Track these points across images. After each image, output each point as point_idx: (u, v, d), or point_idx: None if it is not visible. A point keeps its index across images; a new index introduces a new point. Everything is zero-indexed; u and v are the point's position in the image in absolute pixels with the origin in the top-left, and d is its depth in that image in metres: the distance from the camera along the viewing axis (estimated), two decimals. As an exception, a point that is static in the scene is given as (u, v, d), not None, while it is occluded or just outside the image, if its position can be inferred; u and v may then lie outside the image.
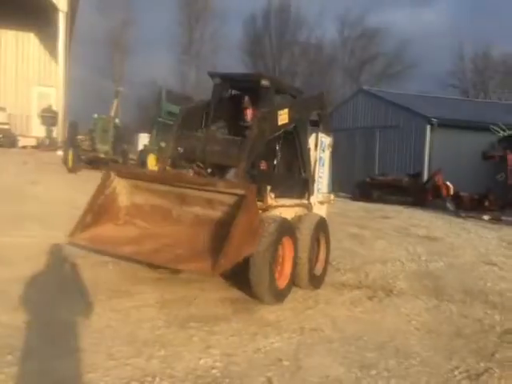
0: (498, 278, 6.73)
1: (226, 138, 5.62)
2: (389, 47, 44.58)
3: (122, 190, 5.17)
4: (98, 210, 5.01)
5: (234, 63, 46.76)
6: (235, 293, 5.09)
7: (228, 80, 5.84)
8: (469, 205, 15.02)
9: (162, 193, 4.97)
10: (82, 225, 4.88)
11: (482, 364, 3.92)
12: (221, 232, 4.38)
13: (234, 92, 5.98)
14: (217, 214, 4.68)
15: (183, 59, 46.01)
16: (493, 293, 6.00)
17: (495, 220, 13.32)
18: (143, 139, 27.59)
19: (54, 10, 17.88)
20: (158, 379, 3.26)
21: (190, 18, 45.61)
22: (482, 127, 17.32)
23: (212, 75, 5.87)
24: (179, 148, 5.32)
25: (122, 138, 15.70)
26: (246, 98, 5.57)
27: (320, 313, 4.80)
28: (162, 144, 16.05)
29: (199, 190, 4.70)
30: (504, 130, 16.19)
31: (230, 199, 4.52)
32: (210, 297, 4.95)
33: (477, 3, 61.81)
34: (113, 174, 5.11)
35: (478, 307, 5.41)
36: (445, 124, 17.89)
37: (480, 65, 44.05)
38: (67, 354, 3.45)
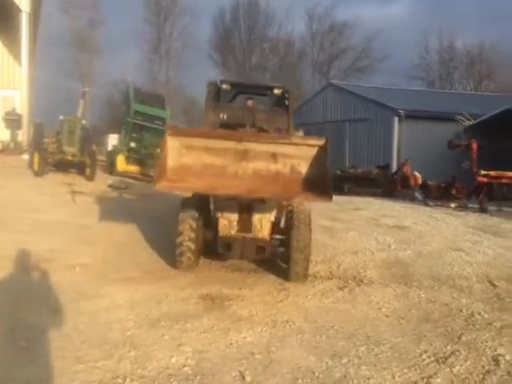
0: (464, 263, 6.89)
1: (272, 109, 7.03)
2: (357, 41, 45.06)
3: (188, 148, 5.17)
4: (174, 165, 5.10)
5: (204, 60, 46.57)
6: (206, 290, 5.09)
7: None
8: (436, 193, 15.33)
9: (226, 151, 5.12)
10: (165, 176, 5.02)
11: (448, 347, 4.01)
12: (293, 179, 5.05)
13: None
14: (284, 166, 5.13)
15: (152, 58, 45.48)
16: (460, 277, 6.15)
17: (461, 207, 13.64)
18: (113, 140, 27.18)
19: (17, 10, 17.38)
20: (128, 380, 3.23)
21: (159, 15, 45.06)
22: (447, 118, 17.72)
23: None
24: (221, 114, 6.46)
25: (90, 139, 15.38)
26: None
27: (292, 305, 4.84)
28: (132, 144, 15.86)
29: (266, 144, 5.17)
30: (469, 120, 16.59)
31: (301, 152, 5.04)
32: (181, 295, 4.92)
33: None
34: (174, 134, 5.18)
35: (445, 292, 5.54)
36: (412, 115, 18.22)
37: (445, 56, 44.95)
38: (33, 360, 3.37)
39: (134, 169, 15.21)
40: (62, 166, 13.56)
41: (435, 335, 4.27)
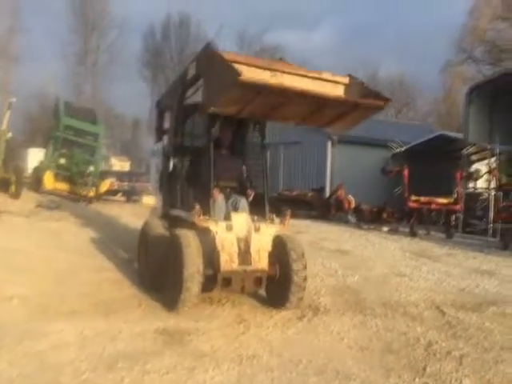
0: (410, 289, 7.06)
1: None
2: (287, 66, 46.15)
3: None
4: None
5: (133, 75, 45.59)
6: (162, 323, 4.76)
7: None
8: (369, 217, 15.88)
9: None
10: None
11: (417, 380, 4.00)
12: None
13: None
14: None
15: (78, 70, 43.80)
16: (409, 304, 6.25)
17: (393, 231, 14.21)
18: (34, 155, 25.62)
19: None
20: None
21: (86, 26, 43.63)
22: (379, 144, 18.49)
23: None
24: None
25: (13, 153, 14.39)
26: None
27: (254, 337, 4.63)
28: (62, 161, 15.00)
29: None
30: (401, 147, 17.47)
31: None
32: (136, 329, 4.56)
33: (362, 28, 66.57)
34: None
35: (399, 320, 5.58)
36: (344, 140, 18.81)
37: (369, 84, 47.28)
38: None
39: (63, 186, 14.39)
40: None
41: (401, 367, 4.25)
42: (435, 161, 16.59)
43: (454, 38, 35.58)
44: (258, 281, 5.35)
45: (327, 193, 18.15)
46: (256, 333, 4.78)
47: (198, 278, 4.87)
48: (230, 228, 5.27)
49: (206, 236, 5.23)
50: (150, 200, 6.96)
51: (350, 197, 16.32)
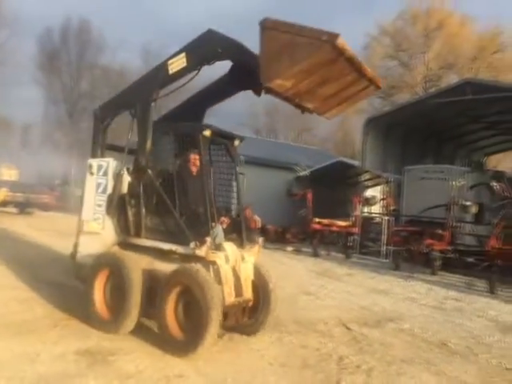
0: (318, 307, 7.51)
1: None
2: (193, 81, 46.08)
3: None
4: None
5: (26, 79, 42.75)
6: (83, 344, 4.63)
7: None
8: (274, 237, 16.45)
9: None
10: None
11: (334, 392, 4.32)
12: None
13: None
14: None
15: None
16: (319, 322, 6.66)
17: (297, 251, 14.88)
18: None
19: None
20: None
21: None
22: (283, 166, 19.27)
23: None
24: None
25: None
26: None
27: (179, 356, 4.67)
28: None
29: None
30: (305, 170, 18.39)
31: None
32: (55, 351, 4.39)
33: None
34: None
35: (312, 336, 5.94)
36: (252, 162, 19.35)
37: (270, 108, 49.03)
38: None
39: None
40: None
41: (319, 381, 4.55)
42: (335, 185, 17.73)
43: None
44: (246, 311, 5.34)
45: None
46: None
47: (220, 318, 4.64)
48: (227, 259, 5.11)
49: (208, 270, 4.96)
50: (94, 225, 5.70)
51: (257, 217, 16.78)
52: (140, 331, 5.20)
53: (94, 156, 5.99)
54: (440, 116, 18.69)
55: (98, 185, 5.74)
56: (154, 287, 4.96)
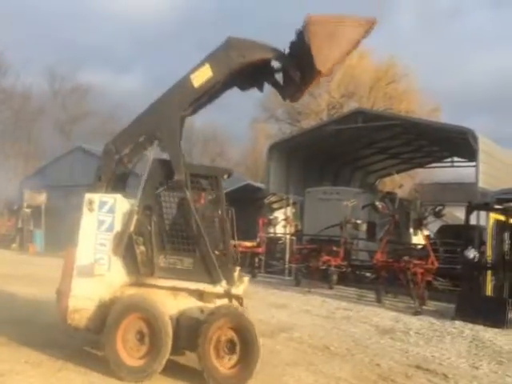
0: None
1: None
2: (102, 106, 45.34)
3: None
4: None
5: None
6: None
7: None
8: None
9: None
10: None
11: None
12: None
13: None
14: None
15: None
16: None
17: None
18: None
19: None
20: None
21: None
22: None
23: None
24: None
25: None
26: None
27: (73, 372, 4.84)
28: None
29: None
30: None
31: None
32: None
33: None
34: None
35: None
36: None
37: (187, 133, 49.43)
38: None
39: None
40: None
41: (207, 386, 4.95)
42: (244, 207, 18.36)
43: (259, 97, 39.86)
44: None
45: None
46: (75, 368, 4.99)
47: None
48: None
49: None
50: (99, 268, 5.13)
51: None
52: (31, 354, 5.28)
53: (94, 191, 5.35)
54: (337, 141, 20.17)
55: (101, 222, 5.22)
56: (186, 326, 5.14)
